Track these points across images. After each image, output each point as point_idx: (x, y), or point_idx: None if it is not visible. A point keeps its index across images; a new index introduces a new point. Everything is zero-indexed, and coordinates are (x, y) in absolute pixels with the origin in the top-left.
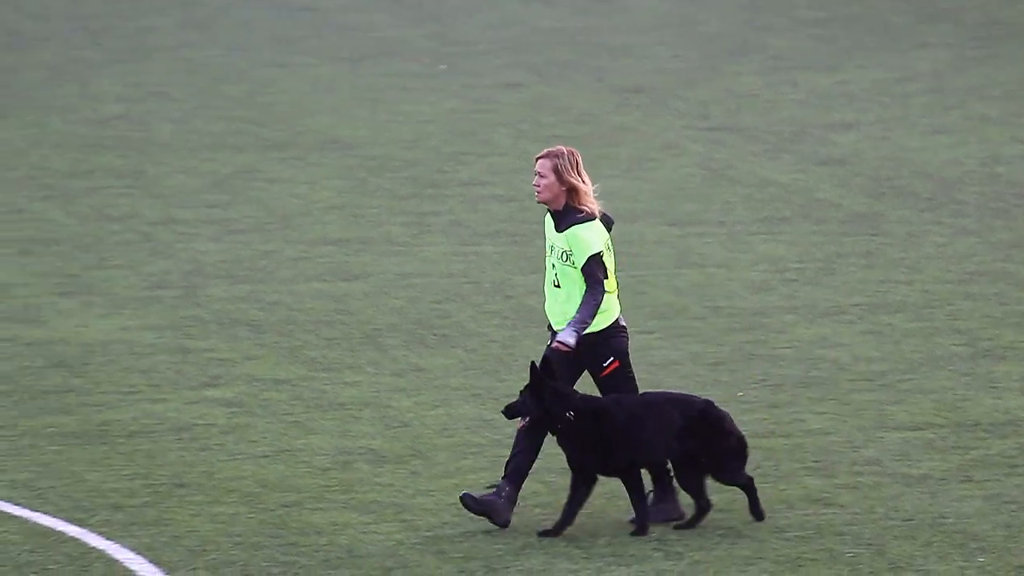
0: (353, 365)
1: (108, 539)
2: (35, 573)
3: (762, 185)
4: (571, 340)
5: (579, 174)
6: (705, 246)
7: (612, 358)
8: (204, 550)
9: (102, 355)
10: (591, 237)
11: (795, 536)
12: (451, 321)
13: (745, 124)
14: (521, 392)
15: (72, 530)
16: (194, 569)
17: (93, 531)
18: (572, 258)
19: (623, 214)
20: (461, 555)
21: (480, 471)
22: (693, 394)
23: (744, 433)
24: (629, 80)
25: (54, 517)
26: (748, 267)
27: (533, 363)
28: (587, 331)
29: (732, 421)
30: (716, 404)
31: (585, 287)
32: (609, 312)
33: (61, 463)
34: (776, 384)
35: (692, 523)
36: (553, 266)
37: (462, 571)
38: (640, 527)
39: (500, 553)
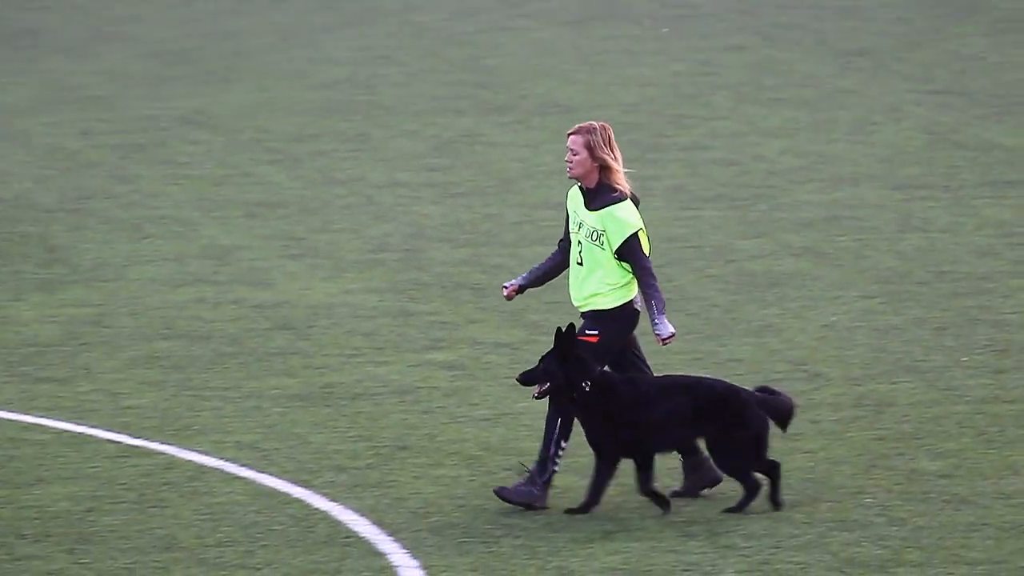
0: None
1: (332, 500)
2: (260, 533)
3: (987, 148)
4: (670, 327)
5: (611, 150)
6: (929, 210)
7: (597, 332)
8: (427, 512)
9: (326, 318)
10: (628, 216)
11: (1021, 503)
12: (672, 285)
13: (970, 87)
14: (541, 359)
15: (297, 491)
16: (417, 531)
17: (317, 492)
18: (604, 238)
19: (845, 178)
20: (683, 519)
21: None
22: (718, 379)
23: (767, 423)
24: (852, 43)
25: (279, 478)
26: (973, 231)
27: (559, 328)
28: (600, 308)
29: (755, 410)
30: (742, 391)
31: (632, 267)
32: (627, 291)
33: (285, 425)
34: (1001, 349)
35: (740, 506)
36: (579, 243)
37: (684, 535)
38: (661, 503)
39: (722, 518)
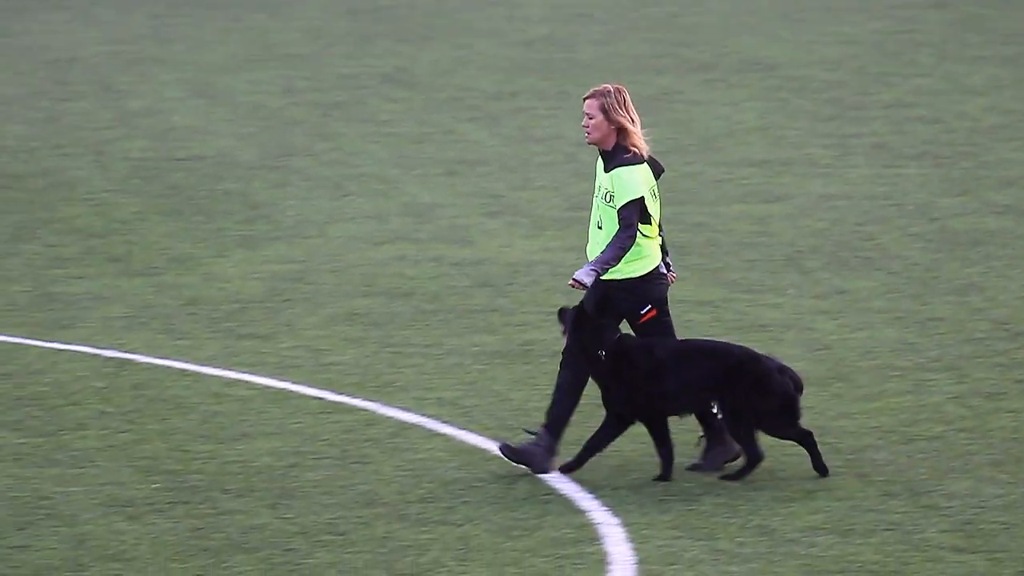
0: (774, 287)
1: None
2: (462, 490)
3: None
4: (587, 279)
5: (628, 112)
6: None
7: (650, 306)
8: (627, 470)
9: (525, 275)
10: (635, 179)
11: None
12: (874, 244)
13: None
14: (559, 313)
15: (497, 448)
16: (617, 489)
17: None
18: (614, 199)
19: None
20: (884, 479)
21: (904, 394)
22: (736, 343)
23: (793, 389)
24: None
25: (479, 435)
26: None
27: (581, 304)
28: (626, 276)
29: (778, 375)
30: (763, 357)
31: (618, 228)
32: (649, 259)
33: (485, 382)
34: None
35: (740, 475)
36: (598, 207)
37: (885, 494)
38: (663, 474)
39: (923, 477)
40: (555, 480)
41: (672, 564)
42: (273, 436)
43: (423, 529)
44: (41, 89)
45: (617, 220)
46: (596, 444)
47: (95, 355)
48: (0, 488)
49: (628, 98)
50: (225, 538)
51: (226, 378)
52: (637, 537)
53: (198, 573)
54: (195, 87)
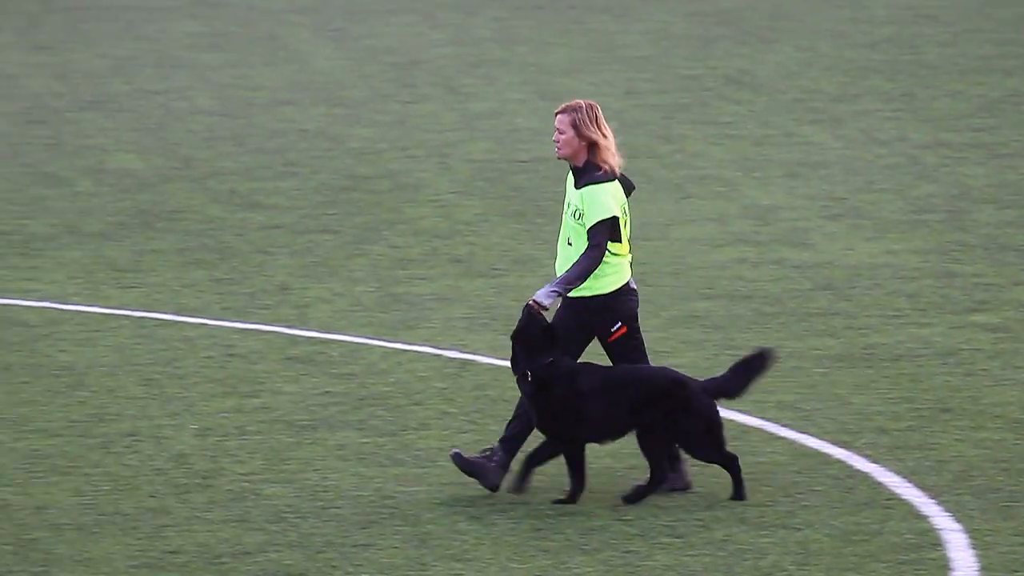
0: None
1: (873, 462)
2: (801, 494)
3: None
4: (547, 301)
5: (599, 128)
6: None
7: (620, 323)
8: (969, 475)
9: (868, 278)
10: (606, 199)
11: None
12: None
13: None
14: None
15: (837, 452)
16: (959, 495)
17: (858, 454)
18: (584, 217)
19: None
20: None
21: None
22: (669, 368)
23: (719, 415)
24: None
25: (819, 439)
26: None
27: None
28: (594, 293)
29: (704, 398)
30: (690, 380)
31: (587, 248)
32: (619, 275)
33: (826, 385)
34: None
35: (641, 493)
36: (567, 223)
37: None
38: (569, 496)
39: None
40: (896, 485)
41: (1016, 572)
42: None
43: (762, 533)
44: (387, 92)
45: (587, 238)
46: (575, 471)
47: (437, 355)
48: (344, 487)
49: (600, 114)
50: (564, 539)
51: None
52: (980, 543)
53: (538, 574)
54: (538, 89)
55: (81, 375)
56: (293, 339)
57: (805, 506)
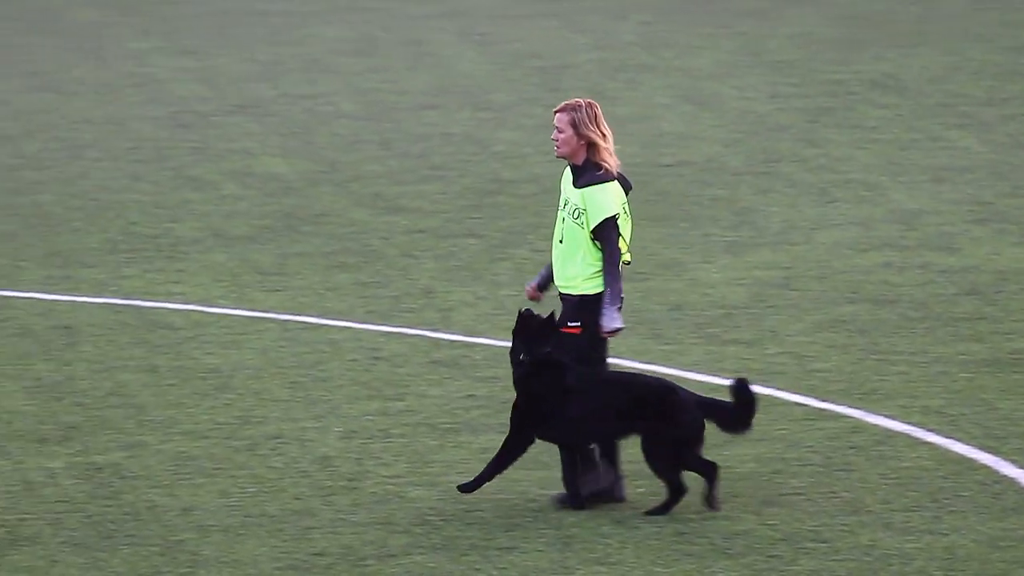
0: None
1: (1020, 467)
2: (947, 499)
3: None
4: (617, 323)
5: (598, 127)
6: None
7: (580, 323)
8: None
9: (1014, 283)
10: (607, 199)
11: None
12: None
13: None
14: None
15: (984, 458)
16: None
17: (1005, 459)
18: (584, 217)
19: None
20: None
21: None
22: (658, 377)
23: (702, 425)
24: None
25: (966, 444)
26: None
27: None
28: (580, 293)
29: (692, 408)
30: (680, 389)
31: (602, 252)
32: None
33: (972, 390)
34: None
35: (664, 508)
36: (563, 220)
37: None
38: (564, 498)
39: None
40: None
41: None
42: (758, 442)
43: (908, 538)
44: (532, 96)
45: (588, 239)
46: (496, 466)
47: None
48: (488, 490)
49: (599, 113)
50: (708, 543)
51: (710, 383)
52: None
53: None
54: (683, 93)
55: (227, 378)
56: (437, 342)
57: (952, 512)
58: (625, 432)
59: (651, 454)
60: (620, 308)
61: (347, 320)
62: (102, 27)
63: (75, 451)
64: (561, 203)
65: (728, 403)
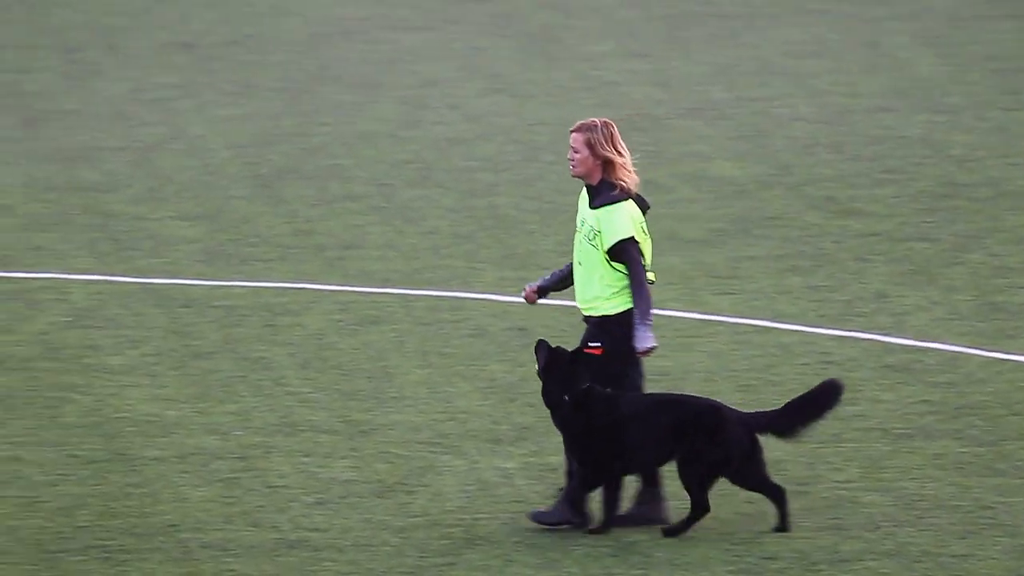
0: None
1: None
2: None
3: None
4: (650, 343)
5: (614, 147)
6: None
7: (600, 344)
8: None
9: None
10: (622, 219)
11: None
12: None
13: None
14: (535, 347)
15: None
16: None
17: None
18: (599, 238)
19: None
20: None
21: None
22: (701, 396)
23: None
24: None
25: None
26: None
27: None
28: (605, 312)
29: (735, 426)
30: (724, 407)
31: (626, 273)
32: (626, 298)
33: None
34: None
35: (684, 526)
36: (580, 242)
37: None
38: (601, 525)
39: None
40: None
41: None
42: None
43: None
44: (988, 98)
45: (604, 261)
46: (611, 507)
47: None
48: (942, 496)
49: (616, 132)
50: None
51: None
52: None
53: None
54: None
55: (678, 380)
56: (889, 347)
57: None
58: (674, 452)
59: (683, 471)
60: (650, 327)
61: (798, 324)
62: (557, 30)
63: (529, 452)
64: (578, 224)
65: (775, 411)
